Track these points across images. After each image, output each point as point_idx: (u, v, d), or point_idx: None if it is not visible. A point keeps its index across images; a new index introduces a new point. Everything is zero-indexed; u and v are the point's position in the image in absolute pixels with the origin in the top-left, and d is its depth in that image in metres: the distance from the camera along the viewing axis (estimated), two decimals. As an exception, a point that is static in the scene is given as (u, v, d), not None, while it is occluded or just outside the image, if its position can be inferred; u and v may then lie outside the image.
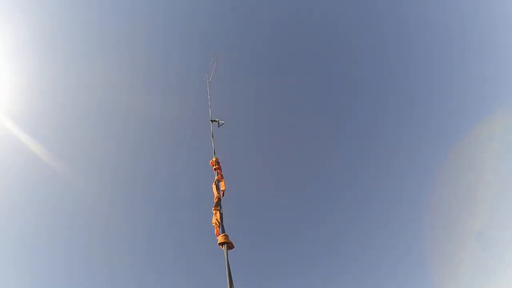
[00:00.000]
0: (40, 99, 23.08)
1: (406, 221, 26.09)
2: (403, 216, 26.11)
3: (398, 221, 26.22)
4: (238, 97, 27.73)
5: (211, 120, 9.19)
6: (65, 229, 23.45)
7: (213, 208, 6.08)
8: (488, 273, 22.33)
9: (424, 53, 26.83)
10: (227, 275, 4.59)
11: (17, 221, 22.29)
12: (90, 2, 23.12)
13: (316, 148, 28.58)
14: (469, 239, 23.58)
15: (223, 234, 5.30)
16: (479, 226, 23.76)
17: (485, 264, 22.55)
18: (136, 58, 25.12)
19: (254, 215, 26.88)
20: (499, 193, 23.57)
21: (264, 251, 25.71)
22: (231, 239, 5.20)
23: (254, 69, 28.13)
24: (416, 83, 27.21)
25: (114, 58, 24.69)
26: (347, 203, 27.33)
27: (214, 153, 7.90)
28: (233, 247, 5.16)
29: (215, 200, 6.28)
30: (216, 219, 5.78)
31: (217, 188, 6.68)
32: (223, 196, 6.46)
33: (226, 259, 4.85)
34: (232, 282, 4.52)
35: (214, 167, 7.38)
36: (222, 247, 5.08)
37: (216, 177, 7.01)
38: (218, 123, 9.21)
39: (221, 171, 7.29)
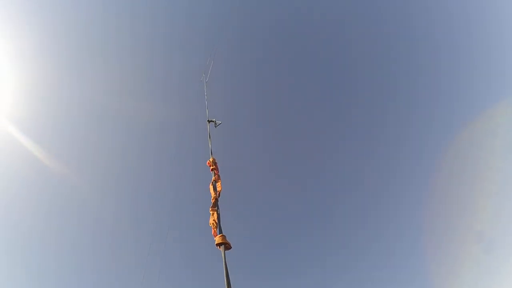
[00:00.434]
0: (41, 102, 23.11)
1: (405, 221, 26.11)
2: (402, 217, 26.12)
3: (397, 221, 26.21)
4: (236, 97, 27.72)
5: (208, 121, 9.14)
6: (66, 229, 23.36)
7: (210, 209, 6.02)
8: (488, 274, 22.32)
9: (424, 51, 26.95)
10: (225, 276, 4.55)
11: (18, 222, 22.25)
12: (90, 7, 23.16)
13: (313, 147, 28.59)
14: (469, 240, 23.56)
15: (220, 235, 5.27)
16: (479, 227, 23.74)
17: (486, 265, 22.53)
18: (133, 60, 25.15)
19: (252, 216, 26.80)
20: (501, 192, 23.57)
21: (262, 251, 25.62)
22: (228, 239, 5.15)
23: (252, 69, 28.16)
24: (415, 84, 27.30)
25: (111, 60, 24.69)
26: (346, 203, 27.29)
27: (211, 154, 7.85)
28: (231, 247, 5.12)
29: (212, 201, 6.23)
30: (214, 220, 5.73)
31: (214, 188, 6.62)
32: (219, 197, 6.40)
33: (223, 260, 4.81)
34: (230, 283, 4.47)
35: (211, 167, 7.33)
36: (220, 247, 5.05)
37: (213, 178, 6.96)
38: (215, 124, 9.15)
39: (218, 172, 7.24)
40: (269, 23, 26.67)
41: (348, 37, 27.07)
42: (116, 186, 25.20)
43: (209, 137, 8.47)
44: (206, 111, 9.63)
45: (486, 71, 25.16)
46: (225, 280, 4.48)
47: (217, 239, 5.15)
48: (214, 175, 7.06)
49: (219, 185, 6.71)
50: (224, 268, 4.66)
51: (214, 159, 7.56)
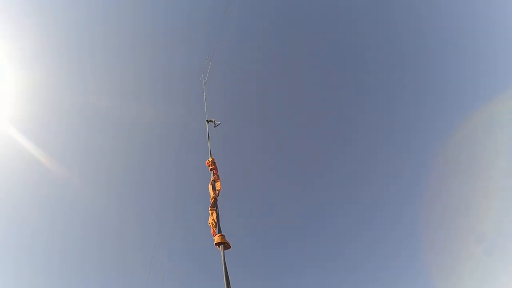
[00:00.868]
0: (42, 104, 23.13)
1: (404, 221, 26.08)
2: (401, 217, 26.10)
3: (397, 222, 26.19)
4: (235, 98, 27.75)
5: (207, 121, 9.12)
6: (66, 230, 23.40)
7: (209, 208, 6.01)
8: (490, 274, 22.27)
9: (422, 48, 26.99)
10: (224, 275, 4.53)
11: (22, 225, 22.29)
12: (90, 9, 23.17)
13: (313, 147, 28.60)
14: (471, 241, 23.48)
15: (219, 234, 5.24)
16: (481, 227, 23.67)
17: (487, 265, 22.48)
18: (134, 61, 25.16)
19: (251, 215, 26.79)
20: (502, 193, 23.49)
21: (261, 251, 25.60)
22: (227, 239, 5.14)
23: (251, 69, 28.18)
24: (417, 83, 27.33)
25: (112, 60, 24.70)
26: (345, 204, 27.29)
27: (210, 154, 7.84)
28: (230, 247, 5.10)
29: (212, 201, 6.21)
30: (213, 219, 5.71)
31: (213, 188, 6.61)
32: (218, 196, 6.39)
33: (223, 260, 4.79)
34: (229, 282, 4.45)
35: (210, 167, 7.32)
36: (219, 247, 5.02)
37: (212, 178, 6.94)
38: (214, 124, 9.14)
39: (217, 171, 7.23)
40: (266, 23, 26.72)
41: (347, 37, 27.11)
42: (115, 187, 25.20)
43: (208, 137, 8.45)
44: (205, 111, 9.62)
45: (482, 66, 25.17)
46: (224, 280, 4.46)
47: (216, 239, 5.13)
48: (213, 175, 7.05)
49: (219, 184, 6.70)
50: (223, 268, 4.64)
51: (213, 159, 7.54)
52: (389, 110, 27.45)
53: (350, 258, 25.00)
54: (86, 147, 24.58)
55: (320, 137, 28.38)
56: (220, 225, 5.61)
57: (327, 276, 24.01)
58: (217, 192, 6.46)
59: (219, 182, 6.80)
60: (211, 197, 6.29)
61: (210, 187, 6.66)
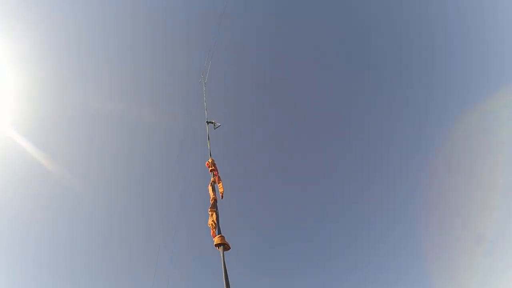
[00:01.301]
0: (42, 106, 23.18)
1: (405, 222, 26.05)
2: (402, 218, 26.07)
3: (397, 222, 26.16)
4: (235, 98, 27.78)
5: (207, 122, 9.13)
6: (68, 233, 23.45)
7: (209, 210, 6.01)
8: (490, 276, 22.21)
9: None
10: (224, 277, 4.53)
11: (25, 227, 22.34)
12: (90, 11, 23.20)
13: (313, 148, 28.61)
14: (470, 242, 23.41)
15: (219, 236, 5.25)
16: (480, 228, 23.62)
17: (487, 266, 22.42)
18: (134, 62, 25.20)
19: (251, 216, 26.81)
20: (501, 193, 23.42)
21: (261, 251, 25.62)
22: (227, 240, 5.15)
23: (251, 70, 28.21)
24: (413, 83, 27.33)
25: (109, 62, 24.72)
26: (345, 203, 27.28)
27: (210, 155, 7.85)
28: (230, 248, 5.10)
29: (211, 202, 6.22)
30: (213, 221, 5.71)
31: (213, 189, 6.62)
32: (222, 198, 6.40)
33: (222, 261, 4.79)
34: (228, 283, 4.45)
35: (210, 168, 7.32)
36: (219, 248, 5.03)
37: (212, 179, 6.95)
38: (214, 125, 9.14)
39: (217, 173, 7.23)
40: (269, 23, 26.74)
41: (345, 37, 27.14)
42: (116, 188, 25.22)
43: (208, 138, 8.46)
44: (205, 112, 9.63)
45: (474, 65, 25.14)
46: (224, 281, 4.47)
47: (216, 240, 5.13)
48: (213, 176, 7.06)
49: (221, 186, 6.70)
50: (223, 269, 4.64)
51: (213, 160, 7.55)
52: (389, 110, 27.48)
53: (350, 258, 25.01)
54: (87, 148, 24.64)
55: (320, 138, 28.43)
56: (220, 226, 5.62)
57: (327, 276, 24.02)
58: (220, 193, 6.46)
59: (221, 184, 6.79)
60: (211, 198, 6.29)
61: (210, 188, 6.66)
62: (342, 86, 28.12)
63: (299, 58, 28.17)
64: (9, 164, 22.23)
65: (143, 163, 25.96)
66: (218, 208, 6.07)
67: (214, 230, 5.52)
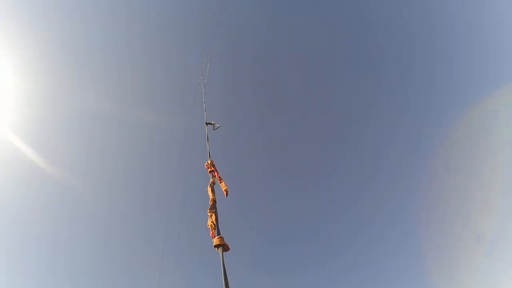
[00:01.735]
0: (41, 107, 23.20)
1: (405, 222, 26.04)
2: (402, 218, 26.06)
3: (397, 222, 26.15)
4: (235, 98, 27.79)
5: (206, 123, 9.13)
6: (68, 234, 23.48)
7: (208, 210, 6.02)
8: (490, 276, 22.17)
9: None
10: (223, 277, 4.53)
11: (27, 228, 22.38)
12: (89, 12, 23.21)
13: (313, 148, 28.61)
14: (470, 241, 23.37)
15: (218, 236, 5.25)
16: (480, 228, 23.57)
17: (487, 266, 22.38)
18: (131, 62, 25.21)
19: (250, 217, 26.82)
20: (501, 194, 23.37)
21: (260, 252, 25.63)
22: (226, 241, 5.16)
23: (251, 70, 28.23)
24: (413, 83, 27.32)
25: (108, 64, 24.75)
26: (345, 204, 27.28)
27: (209, 156, 7.85)
28: (229, 249, 5.10)
29: (210, 203, 6.22)
30: (212, 221, 5.71)
31: (213, 190, 6.62)
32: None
33: (221, 262, 4.79)
34: (228, 284, 4.46)
35: (210, 169, 7.33)
36: (218, 249, 5.03)
37: (211, 180, 6.95)
38: (214, 126, 9.13)
39: (217, 173, 7.23)
40: (269, 22, 26.74)
41: (345, 37, 27.14)
42: (116, 189, 25.24)
43: (207, 139, 8.45)
44: (204, 113, 9.63)
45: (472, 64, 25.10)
46: (223, 282, 4.47)
47: (215, 241, 5.13)
48: (212, 177, 7.06)
49: (223, 184, 6.70)
50: (222, 270, 4.64)
51: (212, 161, 7.55)
52: (389, 110, 27.47)
53: (350, 258, 25.01)
54: (86, 148, 24.67)
55: (320, 138, 28.42)
56: (219, 227, 5.62)
57: (327, 276, 24.02)
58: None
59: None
60: (210, 199, 6.29)
61: (209, 189, 6.66)
62: (342, 86, 28.17)
63: (299, 58, 28.21)
64: (9, 164, 22.26)
65: (143, 163, 26.01)
66: (217, 209, 6.08)
67: (213, 231, 5.52)
